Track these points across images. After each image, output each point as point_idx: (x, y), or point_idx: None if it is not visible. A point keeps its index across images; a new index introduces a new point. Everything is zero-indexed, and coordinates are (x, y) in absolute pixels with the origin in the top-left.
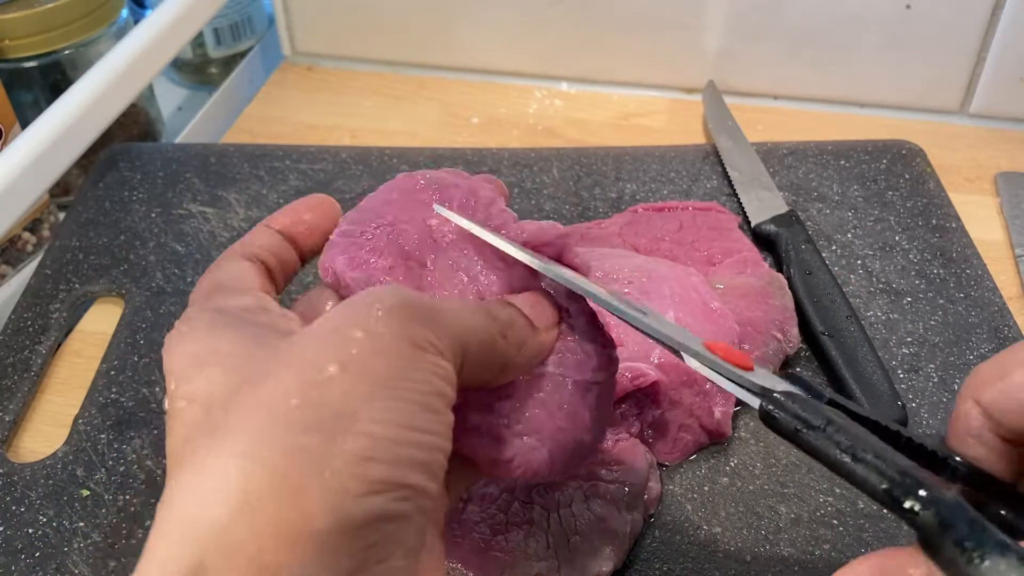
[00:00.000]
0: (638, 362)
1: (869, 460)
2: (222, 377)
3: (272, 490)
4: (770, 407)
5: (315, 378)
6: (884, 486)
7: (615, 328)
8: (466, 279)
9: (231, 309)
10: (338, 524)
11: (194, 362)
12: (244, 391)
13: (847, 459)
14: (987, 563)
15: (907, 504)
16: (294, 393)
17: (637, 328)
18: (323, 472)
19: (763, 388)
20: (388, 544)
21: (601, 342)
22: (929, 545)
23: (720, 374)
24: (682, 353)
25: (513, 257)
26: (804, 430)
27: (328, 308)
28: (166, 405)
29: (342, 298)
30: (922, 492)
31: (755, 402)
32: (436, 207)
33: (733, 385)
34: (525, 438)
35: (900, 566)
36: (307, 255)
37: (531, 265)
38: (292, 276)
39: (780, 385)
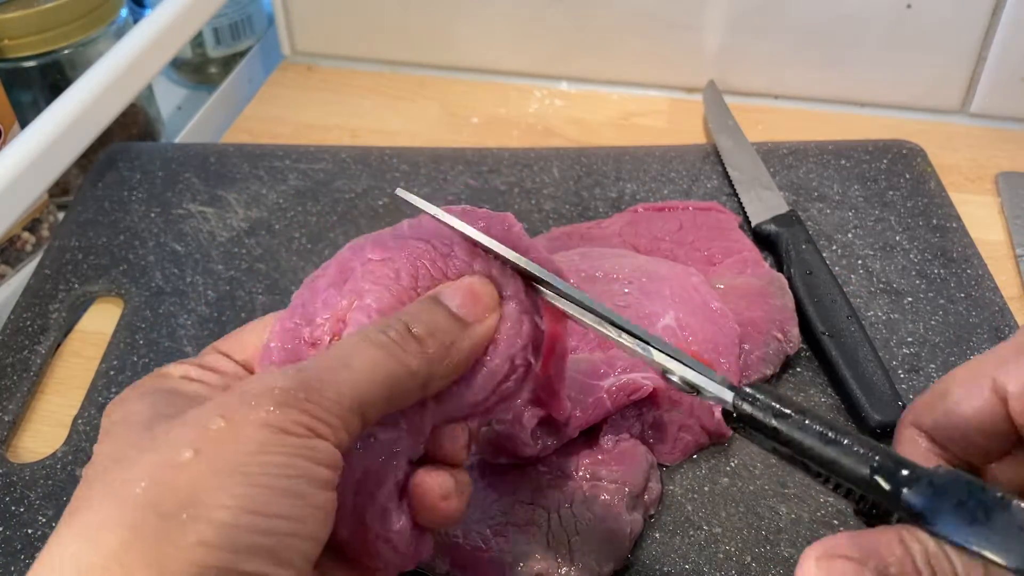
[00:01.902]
0: (633, 373)
1: (850, 444)
2: (110, 448)
3: (103, 572)
4: (744, 398)
5: (168, 462)
6: (873, 465)
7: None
8: (402, 275)
9: (171, 374)
10: None
11: (108, 426)
12: (110, 469)
13: (827, 446)
14: (994, 516)
15: (903, 474)
16: (143, 477)
17: (602, 331)
18: (157, 556)
19: (730, 384)
20: None
21: (535, 324)
22: (925, 519)
23: (686, 364)
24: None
25: (458, 244)
26: (780, 419)
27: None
28: None
29: None
30: (912, 469)
31: (727, 395)
32: (398, 190)
33: (700, 376)
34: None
35: (887, 542)
36: None
37: (497, 251)
38: None
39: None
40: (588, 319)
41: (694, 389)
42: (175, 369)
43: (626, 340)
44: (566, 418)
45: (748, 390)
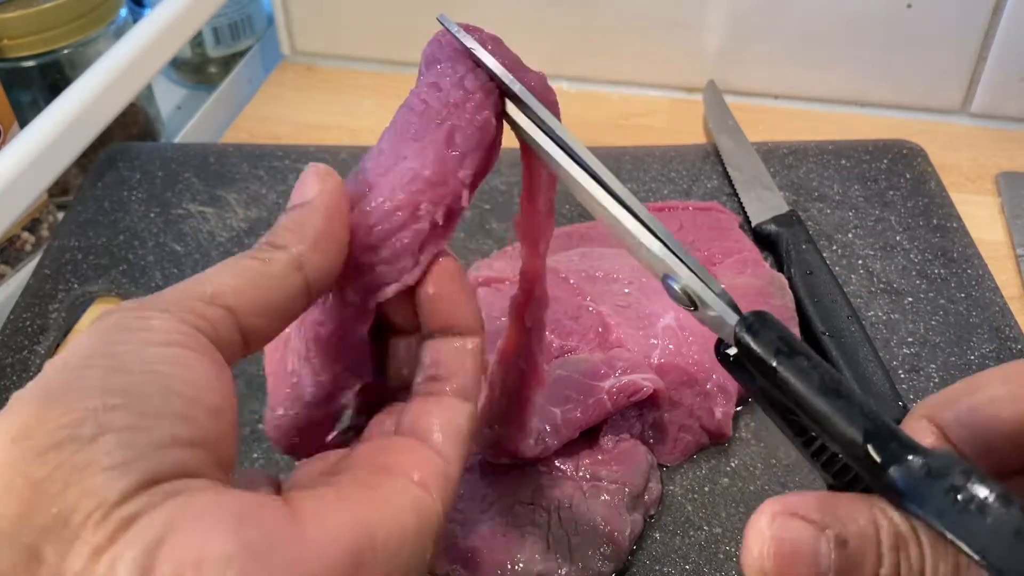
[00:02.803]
0: (634, 374)
1: (848, 401)
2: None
3: None
4: (748, 327)
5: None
6: (867, 429)
7: (615, 329)
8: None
9: None
10: None
11: None
12: None
13: (823, 397)
14: (988, 511)
15: (896, 447)
16: None
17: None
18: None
19: (735, 306)
20: (63, 471)
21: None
22: (907, 497)
23: (697, 276)
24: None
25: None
26: (782, 356)
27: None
28: None
29: None
30: (909, 443)
31: (731, 317)
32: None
33: (705, 288)
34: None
35: (854, 510)
36: None
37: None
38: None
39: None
40: (580, 179)
41: (693, 303)
42: None
43: (625, 221)
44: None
45: (753, 318)
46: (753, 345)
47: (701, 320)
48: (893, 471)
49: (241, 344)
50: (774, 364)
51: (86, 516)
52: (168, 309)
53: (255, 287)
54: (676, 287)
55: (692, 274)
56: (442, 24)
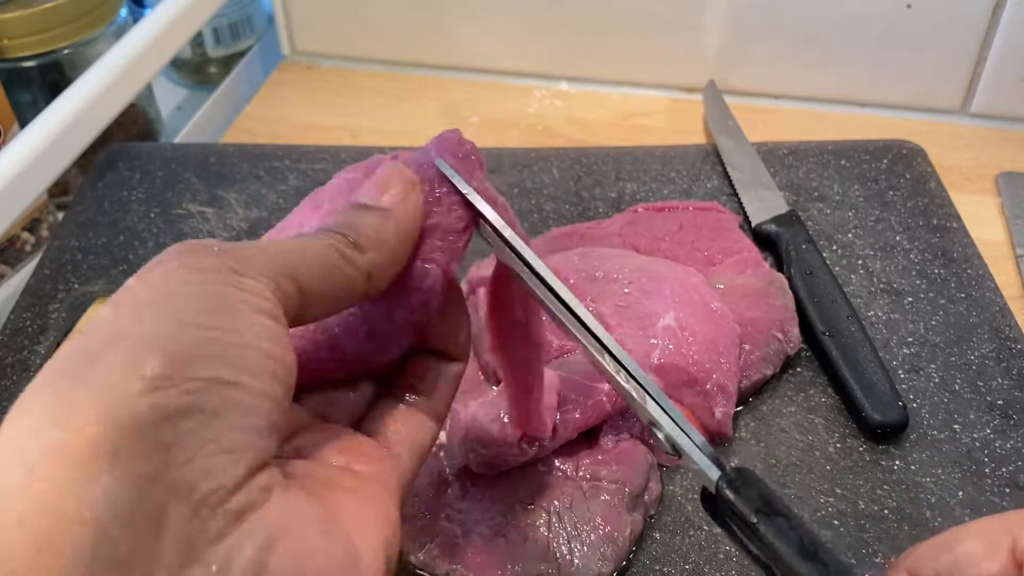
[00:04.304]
0: None
1: (828, 566)
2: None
3: (46, 415)
4: (730, 483)
5: (88, 330)
6: None
7: (615, 329)
8: None
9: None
10: (119, 428)
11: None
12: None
13: (803, 561)
14: None
15: None
16: (60, 354)
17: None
18: (94, 382)
19: (719, 461)
20: (190, 442)
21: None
22: None
23: (675, 423)
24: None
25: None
26: (762, 516)
27: None
28: None
29: None
30: None
31: (713, 473)
32: (438, 161)
33: (686, 438)
34: None
35: None
36: None
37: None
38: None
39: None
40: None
41: (677, 453)
42: None
43: (615, 374)
44: (548, 431)
45: (735, 475)
46: (735, 502)
47: (686, 468)
48: None
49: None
50: (755, 522)
51: (205, 495)
52: (261, 274)
53: (327, 280)
54: (660, 436)
55: (677, 427)
56: (440, 169)
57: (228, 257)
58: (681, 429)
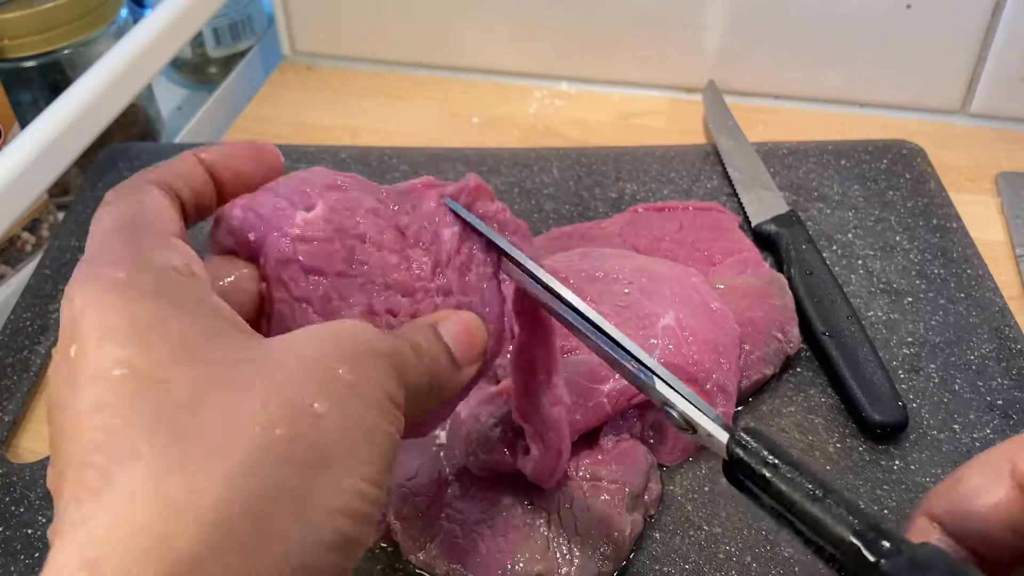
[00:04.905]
0: None
1: (835, 505)
2: (175, 366)
3: (252, 527)
4: (738, 443)
5: (301, 410)
6: (855, 530)
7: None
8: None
9: (161, 267)
10: (304, 572)
11: (131, 323)
12: (216, 397)
13: (813, 503)
14: None
15: (885, 545)
16: (280, 422)
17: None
18: (302, 517)
19: (727, 426)
20: None
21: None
22: None
23: (684, 396)
24: (648, 375)
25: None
26: (771, 468)
27: (241, 283)
28: (69, 352)
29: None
30: (895, 540)
31: (723, 436)
32: (447, 200)
33: (696, 410)
34: None
35: None
36: (224, 203)
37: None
38: (194, 223)
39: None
40: (585, 330)
41: (690, 427)
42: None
43: (627, 363)
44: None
45: (743, 435)
46: (745, 458)
47: (701, 443)
48: (884, 565)
49: None
50: (765, 474)
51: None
52: (402, 408)
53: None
54: (675, 414)
55: (688, 403)
56: (449, 207)
57: (395, 378)
58: (690, 403)
